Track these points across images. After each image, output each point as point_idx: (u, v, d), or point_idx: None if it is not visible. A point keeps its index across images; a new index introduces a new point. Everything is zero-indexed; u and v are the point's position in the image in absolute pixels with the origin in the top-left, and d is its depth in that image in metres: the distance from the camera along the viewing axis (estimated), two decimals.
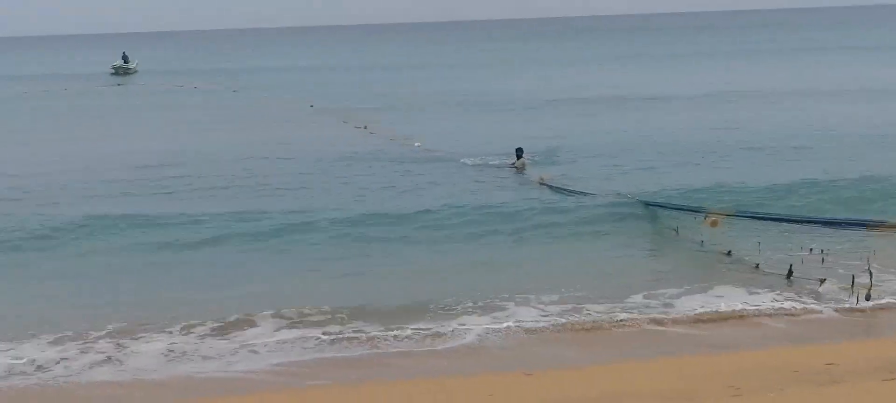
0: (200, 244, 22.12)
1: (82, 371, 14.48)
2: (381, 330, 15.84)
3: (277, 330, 15.93)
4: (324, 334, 15.68)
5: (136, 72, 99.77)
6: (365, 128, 42.64)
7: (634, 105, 50.88)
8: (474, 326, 16.00)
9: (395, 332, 15.75)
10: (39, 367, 14.62)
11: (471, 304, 17.08)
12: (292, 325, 16.14)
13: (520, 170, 30.42)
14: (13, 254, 21.54)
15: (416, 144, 36.82)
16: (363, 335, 15.69)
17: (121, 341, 15.60)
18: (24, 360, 14.79)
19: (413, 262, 20.57)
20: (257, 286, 18.96)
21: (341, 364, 14.64)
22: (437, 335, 15.70)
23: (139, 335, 15.88)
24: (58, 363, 14.76)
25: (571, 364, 14.16)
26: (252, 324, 16.19)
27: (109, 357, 14.96)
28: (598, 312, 16.57)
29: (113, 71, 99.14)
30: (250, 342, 15.46)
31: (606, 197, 25.18)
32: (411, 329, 15.88)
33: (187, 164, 33.38)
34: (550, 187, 27.25)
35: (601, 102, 52.63)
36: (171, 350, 15.21)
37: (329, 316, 16.49)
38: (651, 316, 16.41)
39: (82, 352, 15.17)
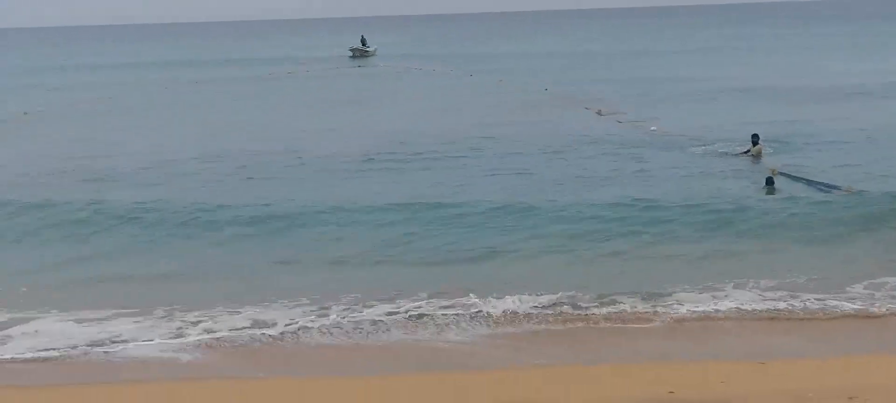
0: (432, 221, 22.66)
1: (313, 335, 15.39)
2: (596, 308, 16.08)
3: (495, 303, 16.28)
4: (534, 309, 16.03)
5: (374, 54, 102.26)
6: (599, 112, 42.50)
7: (878, 92, 48.65)
8: (694, 307, 16.02)
9: (609, 308, 16.00)
10: (286, 328, 15.64)
11: (688, 286, 17.04)
12: (511, 300, 16.43)
13: (756, 157, 29.64)
14: (266, 229, 22.60)
15: (651, 128, 36.53)
16: (579, 311, 15.97)
17: (352, 308, 16.48)
18: (276, 325, 15.71)
19: (632, 246, 20.51)
20: (480, 263, 19.57)
21: (558, 339, 14.98)
22: (654, 314, 15.82)
23: (369, 303, 16.70)
24: (295, 325, 15.71)
25: (800, 354, 13.84)
26: (467, 297, 16.62)
27: (339, 324, 15.76)
28: (820, 301, 16.14)
29: (351, 54, 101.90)
30: (471, 312, 15.95)
31: (843, 188, 24.26)
32: (627, 306, 16.08)
33: (423, 145, 34.17)
34: (788, 176, 26.41)
35: (841, 90, 50.45)
36: (391, 319, 15.86)
37: (546, 293, 16.73)
38: (880, 308, 15.84)
39: (318, 317, 16.10)
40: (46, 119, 48.21)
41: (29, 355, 14.71)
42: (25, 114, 49.87)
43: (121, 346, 14.96)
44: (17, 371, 14.16)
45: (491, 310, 15.96)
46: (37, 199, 25.58)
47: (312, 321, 15.87)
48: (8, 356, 14.68)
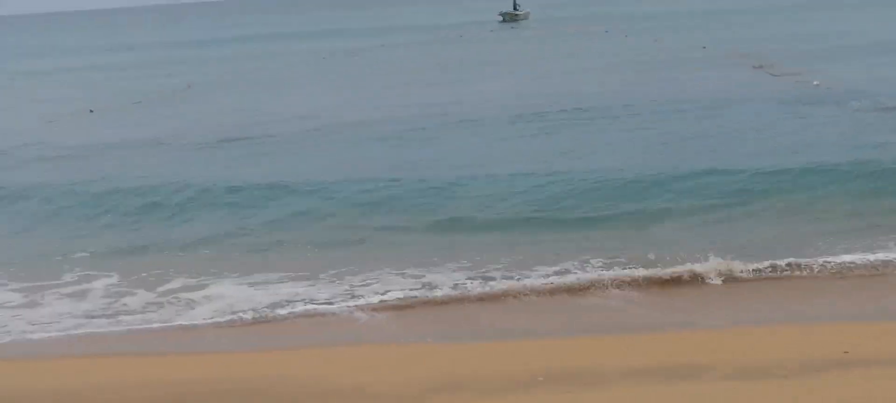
0: (587, 182, 22.51)
1: (477, 298, 15.70)
2: (762, 267, 15.85)
3: (656, 265, 16.23)
4: (699, 270, 15.83)
5: (525, 18, 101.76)
6: (761, 67, 41.63)
7: None
8: (862, 262, 15.80)
9: (776, 268, 15.78)
10: (451, 291, 16.01)
11: (855, 243, 16.73)
12: (673, 262, 16.30)
13: None
14: (423, 193, 22.87)
15: (814, 83, 35.60)
16: (745, 271, 15.80)
17: (514, 271, 16.72)
18: (441, 289, 16.08)
19: (796, 203, 20.09)
20: (640, 223, 19.48)
21: (726, 300, 14.93)
22: (822, 272, 15.69)
23: (530, 266, 16.89)
24: (460, 290, 16.06)
25: None
26: (626, 259, 16.72)
27: (503, 287, 15.97)
28: None
29: (502, 18, 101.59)
30: (632, 275, 15.88)
31: None
32: (794, 265, 15.87)
33: (577, 107, 34.10)
34: None
35: None
36: (554, 282, 15.99)
37: (708, 254, 16.38)
38: None
39: (482, 280, 16.42)
40: (209, 91, 49.81)
41: (220, 319, 15.37)
42: (189, 86, 51.60)
43: (301, 307, 15.52)
44: (208, 336, 14.79)
45: (653, 273, 15.90)
46: (201, 170, 26.71)
47: (475, 284, 16.13)
48: (199, 321, 15.35)
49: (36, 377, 12.90)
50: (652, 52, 55.19)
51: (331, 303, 15.58)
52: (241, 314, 15.41)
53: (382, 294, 15.83)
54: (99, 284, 17.30)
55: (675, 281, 15.63)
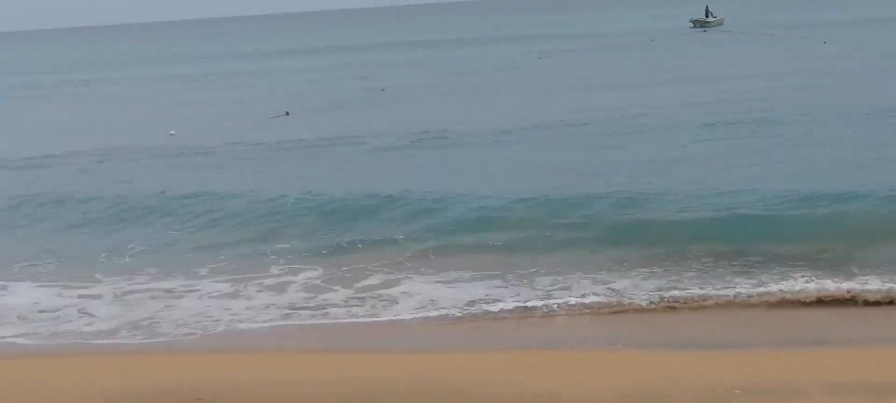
0: (779, 192, 21.78)
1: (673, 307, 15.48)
2: None
3: (865, 282, 15.61)
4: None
5: (719, 24, 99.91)
6: None
7: None
8: None
9: None
10: (651, 295, 15.87)
11: None
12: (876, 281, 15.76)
13: None
14: (609, 197, 22.44)
15: None
16: None
17: (701, 281, 16.37)
18: (636, 295, 15.93)
19: None
20: (837, 237, 18.61)
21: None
22: None
23: (725, 277, 16.51)
24: (657, 295, 15.85)
25: None
26: (823, 275, 16.16)
27: (700, 295, 15.77)
28: None
29: (692, 25, 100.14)
30: (836, 291, 15.40)
31: None
32: None
33: (773, 114, 33.36)
34: None
35: None
36: (749, 293, 15.63)
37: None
38: None
39: (672, 286, 16.23)
40: (402, 94, 50.83)
41: (428, 314, 15.72)
42: (383, 90, 52.73)
43: (492, 308, 15.70)
44: (411, 333, 15.13)
45: (860, 290, 15.29)
46: (390, 172, 27.39)
47: (666, 291, 15.88)
48: (405, 316, 15.75)
49: (240, 368, 13.48)
50: (851, 60, 53.41)
51: (523, 305, 15.69)
52: (444, 311, 15.71)
53: (573, 298, 15.83)
54: (300, 278, 17.96)
55: (886, 301, 14.98)
